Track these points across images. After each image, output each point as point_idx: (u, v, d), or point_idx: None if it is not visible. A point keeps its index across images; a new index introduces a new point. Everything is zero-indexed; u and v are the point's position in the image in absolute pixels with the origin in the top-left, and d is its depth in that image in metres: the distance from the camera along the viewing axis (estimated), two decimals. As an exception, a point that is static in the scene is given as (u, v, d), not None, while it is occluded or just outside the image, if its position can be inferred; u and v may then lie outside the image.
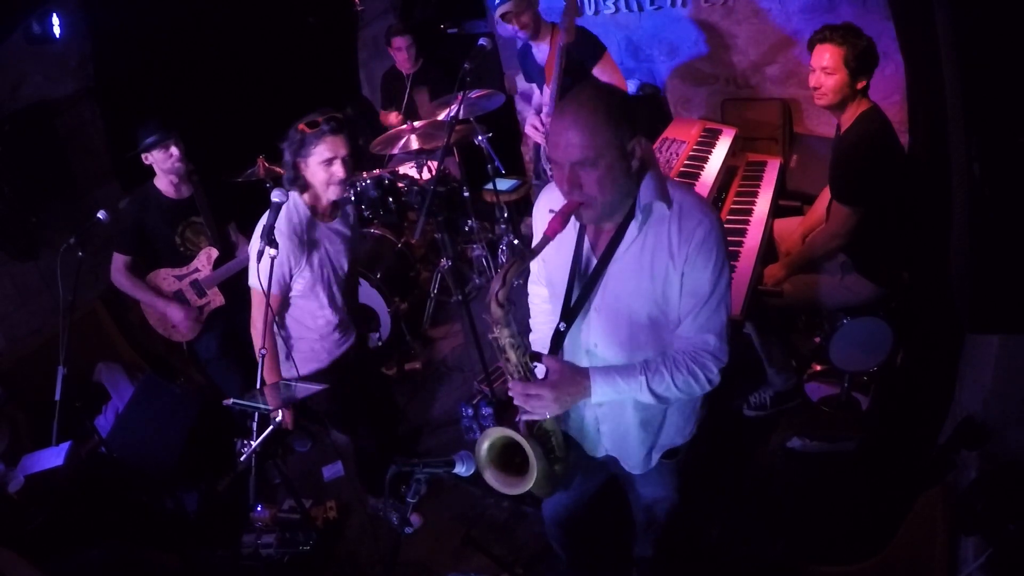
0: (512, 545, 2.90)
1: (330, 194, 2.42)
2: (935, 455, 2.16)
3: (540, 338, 1.98)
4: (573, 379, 1.66)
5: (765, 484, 2.94)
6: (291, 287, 2.48)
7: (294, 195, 2.45)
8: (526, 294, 2.10)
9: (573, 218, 1.72)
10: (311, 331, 2.63)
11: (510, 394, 1.71)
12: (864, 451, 2.91)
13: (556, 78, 3.35)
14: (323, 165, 2.34)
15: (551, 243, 1.68)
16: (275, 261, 2.32)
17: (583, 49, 3.40)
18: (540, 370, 1.77)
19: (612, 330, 1.73)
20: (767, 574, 2.61)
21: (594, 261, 1.72)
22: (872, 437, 2.94)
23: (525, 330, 2.01)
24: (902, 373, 2.99)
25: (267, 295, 2.29)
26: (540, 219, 1.81)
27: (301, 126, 2.33)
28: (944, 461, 2.06)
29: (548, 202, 1.79)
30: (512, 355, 1.69)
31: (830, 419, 3.15)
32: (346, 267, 2.63)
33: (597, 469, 2.09)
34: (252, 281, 2.45)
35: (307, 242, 2.44)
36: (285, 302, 2.53)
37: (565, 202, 1.61)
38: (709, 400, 1.99)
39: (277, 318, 2.56)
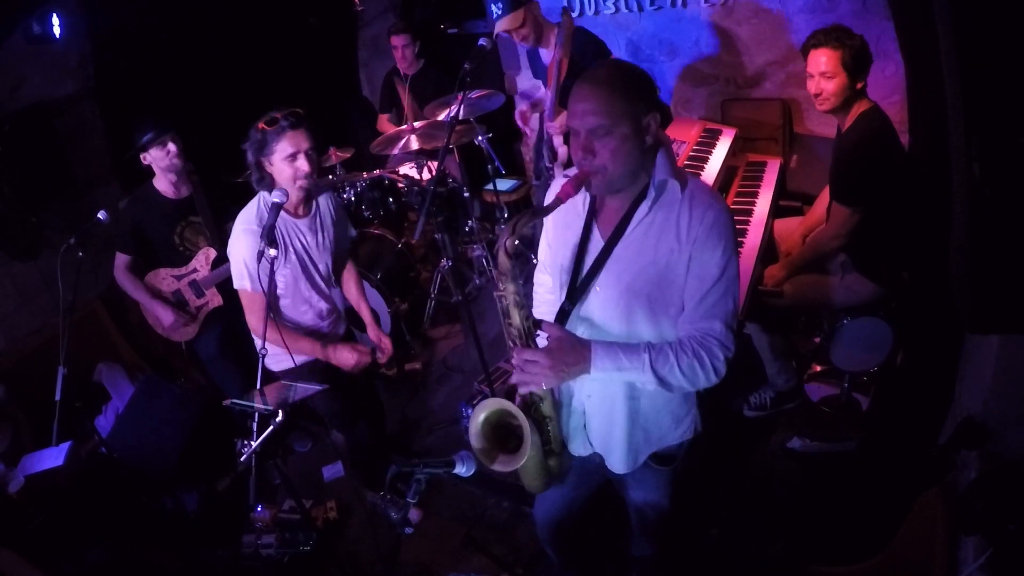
0: (512, 545, 2.91)
1: (297, 189, 2.41)
2: (935, 455, 2.16)
3: None
4: (574, 348, 1.63)
5: (765, 484, 2.94)
6: (274, 284, 2.48)
7: (263, 194, 2.45)
8: (530, 285, 2.10)
9: (584, 199, 1.74)
10: (300, 327, 2.64)
11: (512, 361, 1.68)
12: (864, 451, 2.91)
13: (555, 88, 3.35)
14: (287, 161, 2.34)
15: (559, 225, 1.70)
16: (254, 258, 2.34)
17: (587, 56, 3.39)
18: (541, 341, 1.75)
19: (611, 305, 1.73)
20: (767, 574, 2.60)
21: (601, 241, 1.73)
22: (872, 437, 2.94)
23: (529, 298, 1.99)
24: (902, 373, 2.99)
25: (267, 295, 2.30)
26: (556, 188, 1.81)
27: (260, 125, 2.32)
28: (944, 461, 2.06)
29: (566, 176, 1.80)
30: (515, 316, 1.67)
31: (830, 419, 3.15)
32: (328, 261, 2.63)
33: (592, 472, 2.07)
34: (237, 284, 2.46)
35: (281, 240, 2.44)
36: (274, 299, 2.54)
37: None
38: (706, 407, 1.98)
39: (273, 316, 2.57)
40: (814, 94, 2.62)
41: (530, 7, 3.35)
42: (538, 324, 1.75)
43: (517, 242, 1.62)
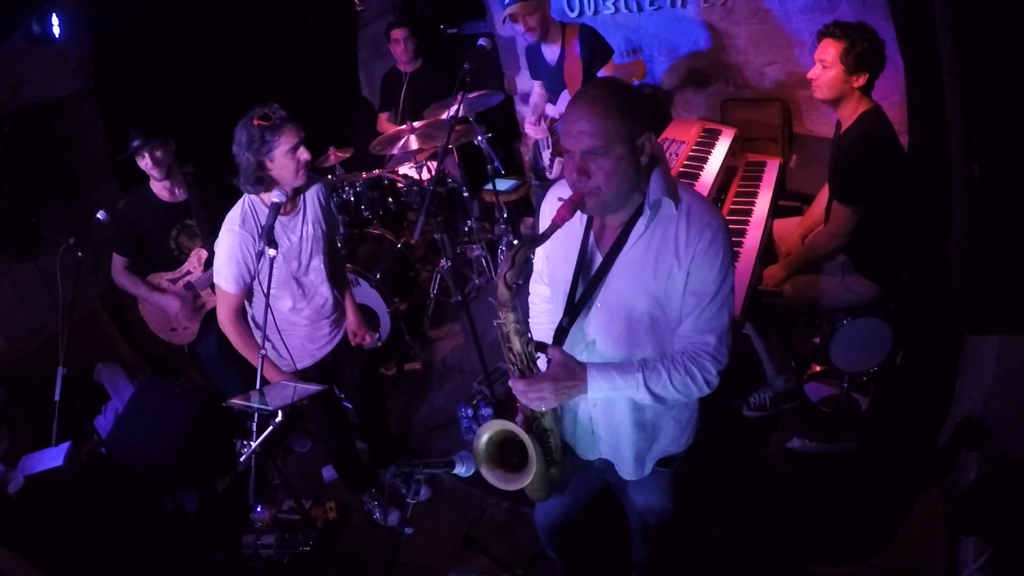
0: (512, 545, 2.91)
1: (299, 180, 2.41)
2: (935, 455, 2.16)
3: (539, 338, 1.98)
4: (572, 372, 1.65)
5: (765, 484, 2.94)
6: (252, 286, 2.50)
7: (251, 197, 2.45)
8: (526, 294, 2.10)
9: (582, 218, 1.73)
10: (298, 326, 2.64)
11: (510, 384, 1.70)
12: (864, 451, 2.91)
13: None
14: (290, 154, 2.33)
15: (557, 240, 1.69)
16: (235, 258, 2.37)
17: (593, 51, 3.39)
18: (542, 362, 1.76)
19: (612, 326, 1.73)
20: (767, 574, 2.60)
21: (599, 258, 1.72)
22: (872, 437, 2.94)
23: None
24: (902, 373, 2.98)
25: (267, 295, 2.30)
26: (550, 209, 1.81)
27: (256, 121, 2.31)
28: (944, 461, 2.06)
29: (559, 192, 1.80)
30: (516, 342, 1.67)
31: (830, 420, 3.15)
32: (320, 256, 2.61)
33: (592, 476, 2.08)
34: (215, 278, 2.48)
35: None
36: (249, 299, 2.56)
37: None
38: (706, 408, 1.98)
39: (252, 319, 2.60)
40: (810, 79, 2.66)
41: (543, 2, 3.34)
42: (539, 347, 1.75)
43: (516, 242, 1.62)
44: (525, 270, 1.69)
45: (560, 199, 1.66)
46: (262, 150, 2.32)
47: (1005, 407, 1.88)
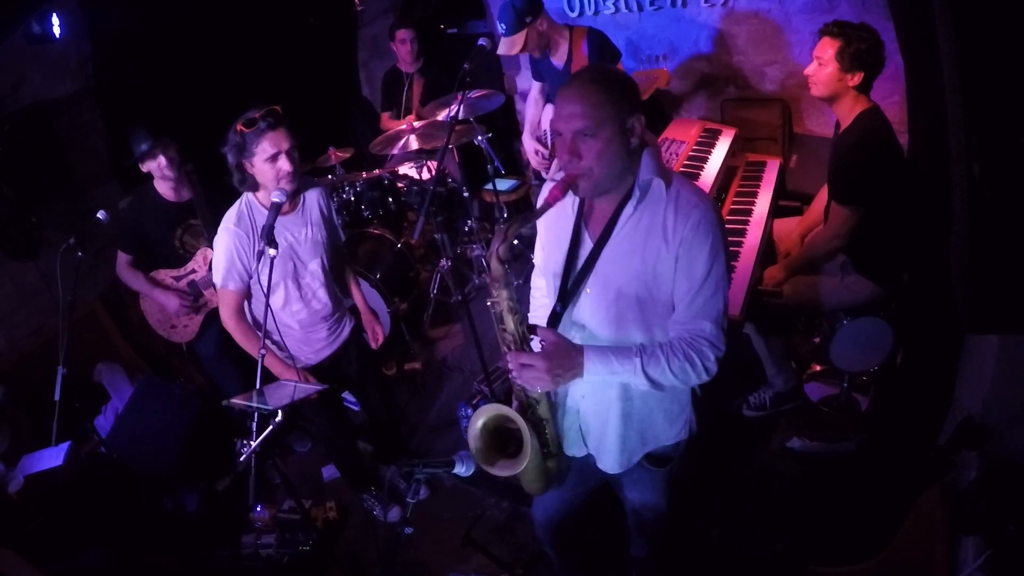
0: (512, 545, 2.91)
1: (283, 187, 2.38)
2: (935, 455, 2.16)
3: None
4: (568, 353, 1.65)
5: (765, 484, 2.94)
6: (249, 284, 2.50)
7: (248, 196, 2.46)
8: (528, 288, 2.11)
9: (573, 202, 1.75)
10: (291, 328, 2.63)
11: (506, 362, 1.71)
12: (864, 451, 2.91)
13: None
14: (268, 162, 2.32)
15: (550, 228, 1.73)
16: (231, 256, 2.39)
17: (602, 54, 3.38)
18: (535, 345, 1.76)
19: (601, 309, 1.74)
20: (767, 574, 2.60)
21: (590, 244, 1.74)
22: (872, 437, 2.94)
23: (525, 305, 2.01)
24: (902, 373, 2.99)
25: (267, 295, 2.29)
26: (546, 192, 1.82)
27: (239, 127, 2.30)
28: (944, 461, 2.06)
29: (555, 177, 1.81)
30: (509, 322, 1.69)
31: (830, 419, 3.15)
32: (322, 258, 2.61)
33: (590, 473, 2.08)
34: (214, 278, 2.50)
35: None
36: (248, 298, 2.57)
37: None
38: (705, 407, 1.98)
39: (250, 316, 2.60)
40: (806, 75, 2.67)
41: (533, 26, 3.29)
42: (532, 329, 1.76)
43: (516, 242, 1.63)
44: (524, 269, 1.69)
45: (553, 180, 1.69)
46: (242, 153, 2.33)
47: (1005, 407, 1.88)
